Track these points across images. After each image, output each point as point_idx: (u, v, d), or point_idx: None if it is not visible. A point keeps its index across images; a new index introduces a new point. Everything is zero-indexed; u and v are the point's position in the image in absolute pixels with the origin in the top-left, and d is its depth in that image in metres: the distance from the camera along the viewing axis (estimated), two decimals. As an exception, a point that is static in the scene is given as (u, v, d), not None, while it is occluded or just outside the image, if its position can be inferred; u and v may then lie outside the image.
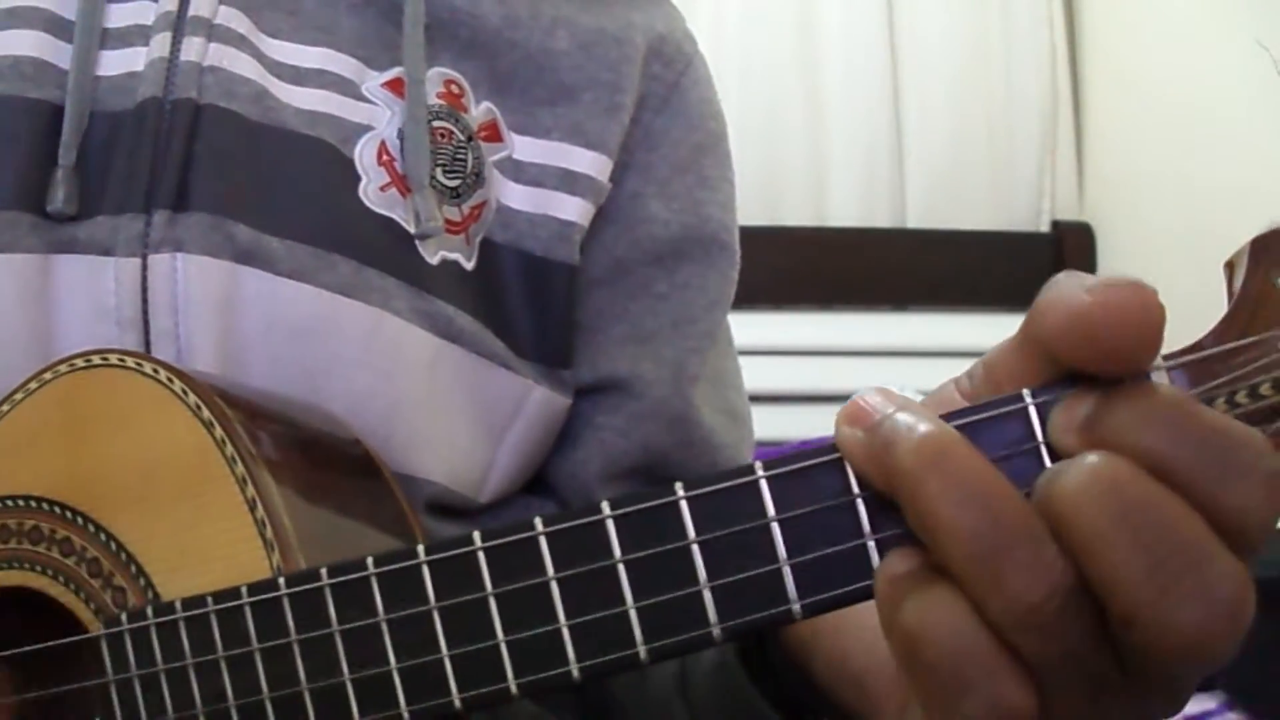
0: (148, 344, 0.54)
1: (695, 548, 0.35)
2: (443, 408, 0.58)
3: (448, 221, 0.60)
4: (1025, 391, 0.33)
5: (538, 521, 0.36)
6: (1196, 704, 1.38)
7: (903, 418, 0.33)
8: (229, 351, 0.54)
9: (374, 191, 0.59)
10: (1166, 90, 2.01)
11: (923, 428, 0.32)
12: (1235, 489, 0.30)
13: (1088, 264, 2.18)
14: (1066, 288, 0.32)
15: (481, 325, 0.60)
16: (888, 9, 2.20)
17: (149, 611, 0.43)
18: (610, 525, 0.35)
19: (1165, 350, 0.34)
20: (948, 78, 2.19)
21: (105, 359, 0.48)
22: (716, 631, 0.35)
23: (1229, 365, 0.33)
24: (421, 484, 0.57)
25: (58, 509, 0.47)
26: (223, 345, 0.54)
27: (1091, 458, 0.31)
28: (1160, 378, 0.33)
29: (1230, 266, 0.35)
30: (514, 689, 0.36)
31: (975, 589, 0.31)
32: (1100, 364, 0.32)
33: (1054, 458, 0.32)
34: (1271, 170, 1.67)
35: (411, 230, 0.59)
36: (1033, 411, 0.33)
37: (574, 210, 0.62)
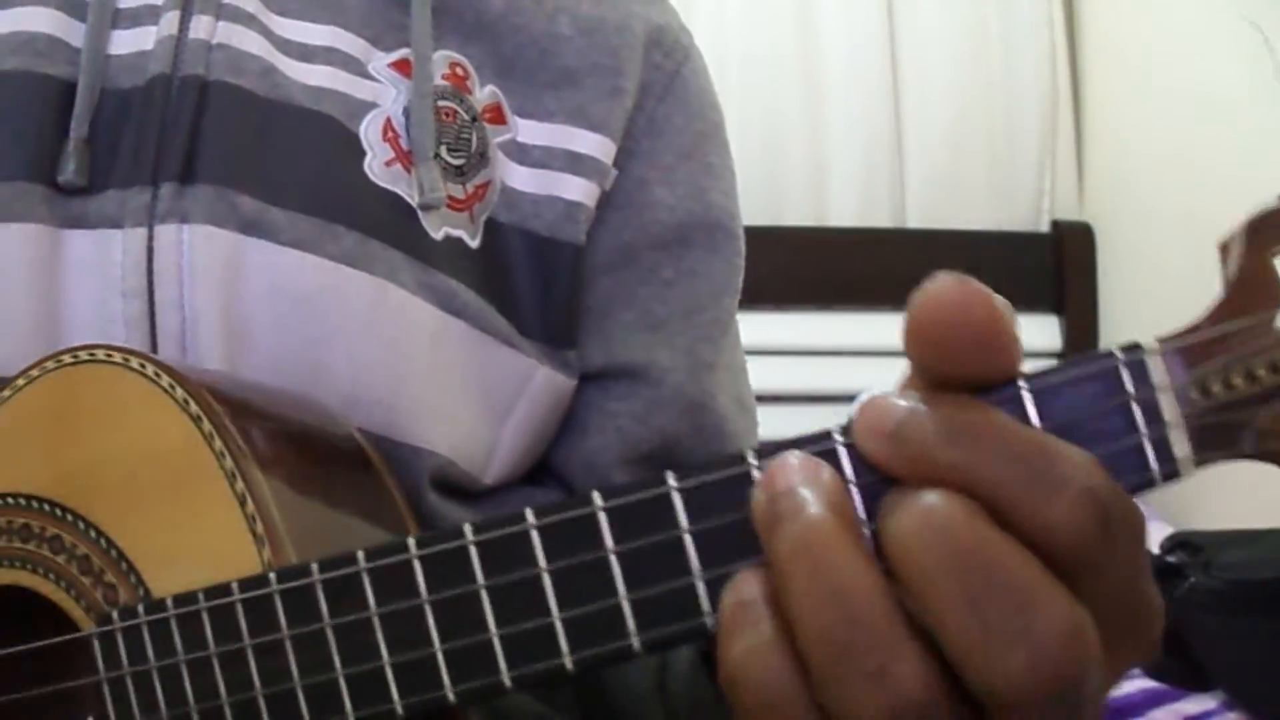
0: (153, 313, 0.54)
1: (688, 538, 0.34)
2: (446, 381, 0.58)
3: (452, 199, 0.60)
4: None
5: (529, 513, 0.36)
6: (1196, 704, 1.37)
7: (801, 495, 0.32)
8: (233, 321, 0.54)
9: (379, 166, 0.59)
10: (1167, 90, 2.01)
11: (808, 513, 0.31)
12: (1046, 506, 0.30)
13: (1088, 264, 2.18)
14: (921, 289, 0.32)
15: (485, 302, 0.60)
16: (887, 9, 2.20)
17: (140, 609, 0.42)
18: (602, 516, 0.35)
19: (1162, 335, 0.34)
20: (947, 77, 2.19)
21: (93, 354, 0.47)
22: (709, 621, 0.34)
23: (1225, 347, 0.33)
24: (426, 455, 0.57)
25: (47, 506, 0.47)
26: (227, 315, 0.54)
27: (929, 497, 0.30)
28: (1155, 360, 0.33)
29: (1224, 249, 0.35)
30: (507, 681, 0.36)
31: (823, 674, 0.30)
32: (943, 365, 0.32)
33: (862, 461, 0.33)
34: (1272, 171, 1.67)
35: (414, 203, 0.59)
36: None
37: (579, 191, 0.63)
